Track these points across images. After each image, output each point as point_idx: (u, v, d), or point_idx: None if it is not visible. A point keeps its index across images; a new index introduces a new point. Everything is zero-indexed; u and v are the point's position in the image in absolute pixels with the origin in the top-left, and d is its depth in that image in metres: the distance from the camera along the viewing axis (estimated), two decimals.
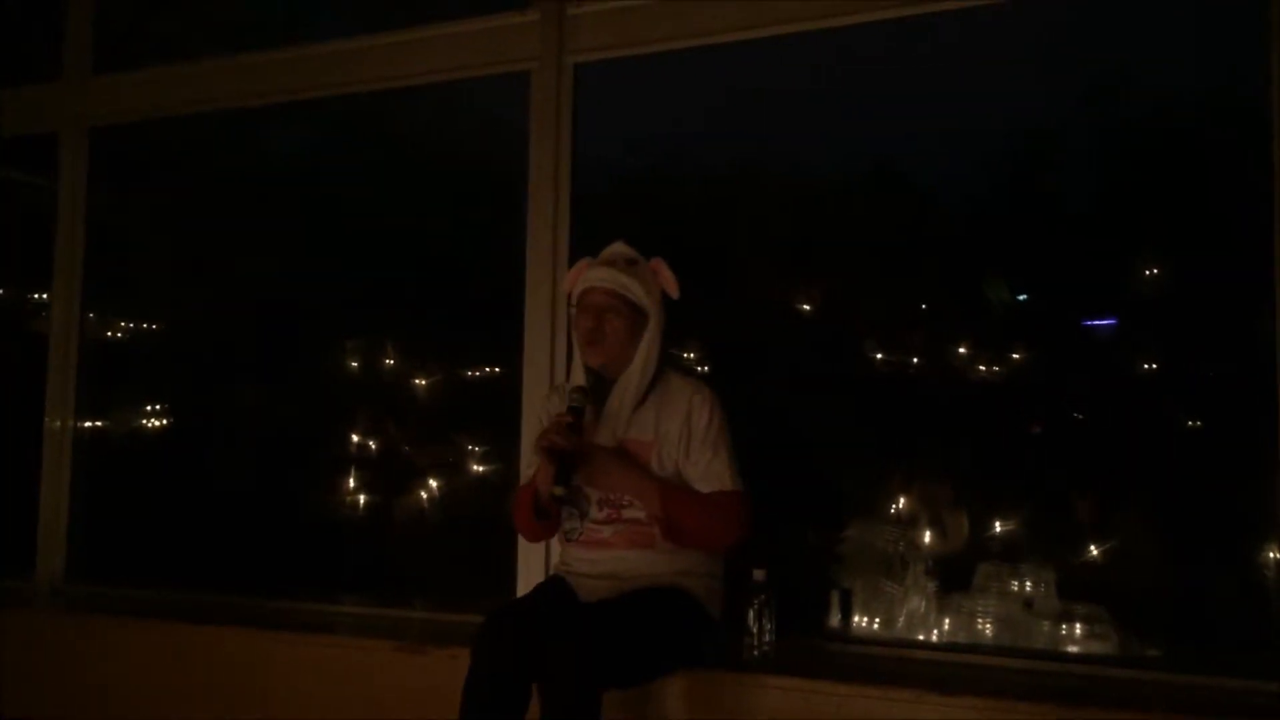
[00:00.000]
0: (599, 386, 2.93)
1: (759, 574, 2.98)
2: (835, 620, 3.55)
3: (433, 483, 4.29)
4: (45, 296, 4.78)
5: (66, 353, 4.55)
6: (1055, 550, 3.56)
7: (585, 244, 3.43)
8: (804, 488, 3.80)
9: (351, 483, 4.40)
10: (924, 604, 3.73)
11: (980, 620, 3.65)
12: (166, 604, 3.95)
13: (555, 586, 2.94)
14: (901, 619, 3.74)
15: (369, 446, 4.43)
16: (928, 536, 3.76)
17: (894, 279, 3.75)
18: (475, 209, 4.29)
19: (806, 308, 3.92)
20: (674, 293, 2.89)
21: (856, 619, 3.76)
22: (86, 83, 4.48)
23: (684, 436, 2.83)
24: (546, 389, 3.27)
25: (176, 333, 4.89)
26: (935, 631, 3.69)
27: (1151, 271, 3.48)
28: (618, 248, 2.97)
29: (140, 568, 4.45)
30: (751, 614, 3.00)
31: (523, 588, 3.46)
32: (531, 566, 3.39)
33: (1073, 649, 3.50)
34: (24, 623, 3.86)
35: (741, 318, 3.92)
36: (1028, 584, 3.62)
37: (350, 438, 4.45)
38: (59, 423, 4.57)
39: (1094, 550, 3.54)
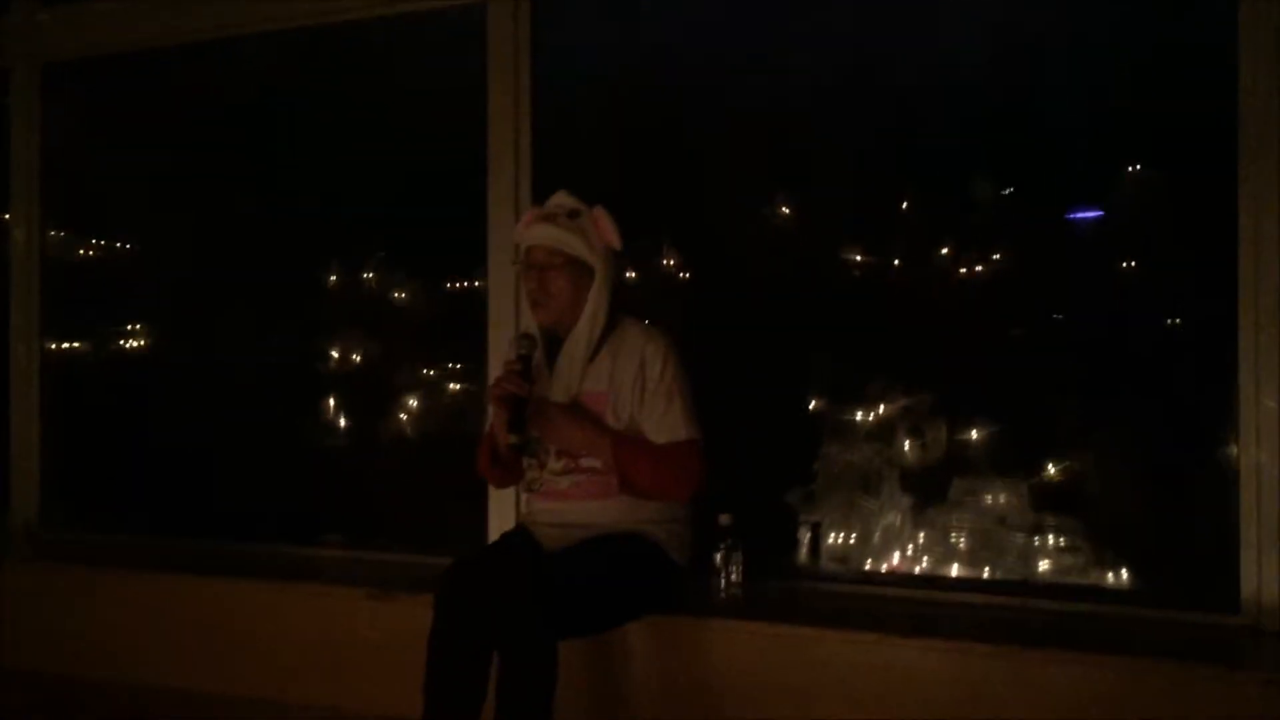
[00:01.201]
0: (551, 341, 2.89)
1: (725, 518, 2.99)
2: (804, 557, 3.56)
3: (412, 402, 4.27)
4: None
5: (29, 282, 4.49)
6: (1031, 463, 3.55)
7: (551, 176, 3.35)
8: (775, 418, 3.80)
9: (332, 405, 4.39)
10: (899, 519, 3.75)
11: (954, 535, 3.67)
12: (141, 550, 3.98)
13: (518, 537, 2.95)
14: (877, 535, 3.76)
15: (349, 365, 4.42)
16: (907, 447, 3.74)
17: (875, 180, 3.68)
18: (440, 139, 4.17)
19: (785, 211, 3.84)
20: (616, 243, 2.83)
21: (833, 538, 3.78)
22: (38, 16, 4.30)
23: (638, 386, 2.80)
24: (511, 333, 3.22)
25: (149, 256, 4.85)
26: (910, 546, 3.72)
27: (1134, 168, 3.42)
28: (558, 199, 2.90)
29: (117, 506, 4.46)
30: (718, 558, 3.00)
31: (494, 530, 3.47)
32: (503, 511, 3.40)
33: (1045, 564, 3.53)
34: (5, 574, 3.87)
35: (719, 226, 3.87)
36: (1001, 498, 3.63)
37: (330, 357, 4.42)
38: (24, 348, 4.51)
39: (1068, 463, 3.53)
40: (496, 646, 2.51)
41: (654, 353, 2.83)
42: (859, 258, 3.77)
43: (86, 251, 4.85)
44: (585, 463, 2.82)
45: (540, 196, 3.41)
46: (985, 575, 3.58)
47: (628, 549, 2.78)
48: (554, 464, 2.87)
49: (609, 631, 2.80)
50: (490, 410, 2.85)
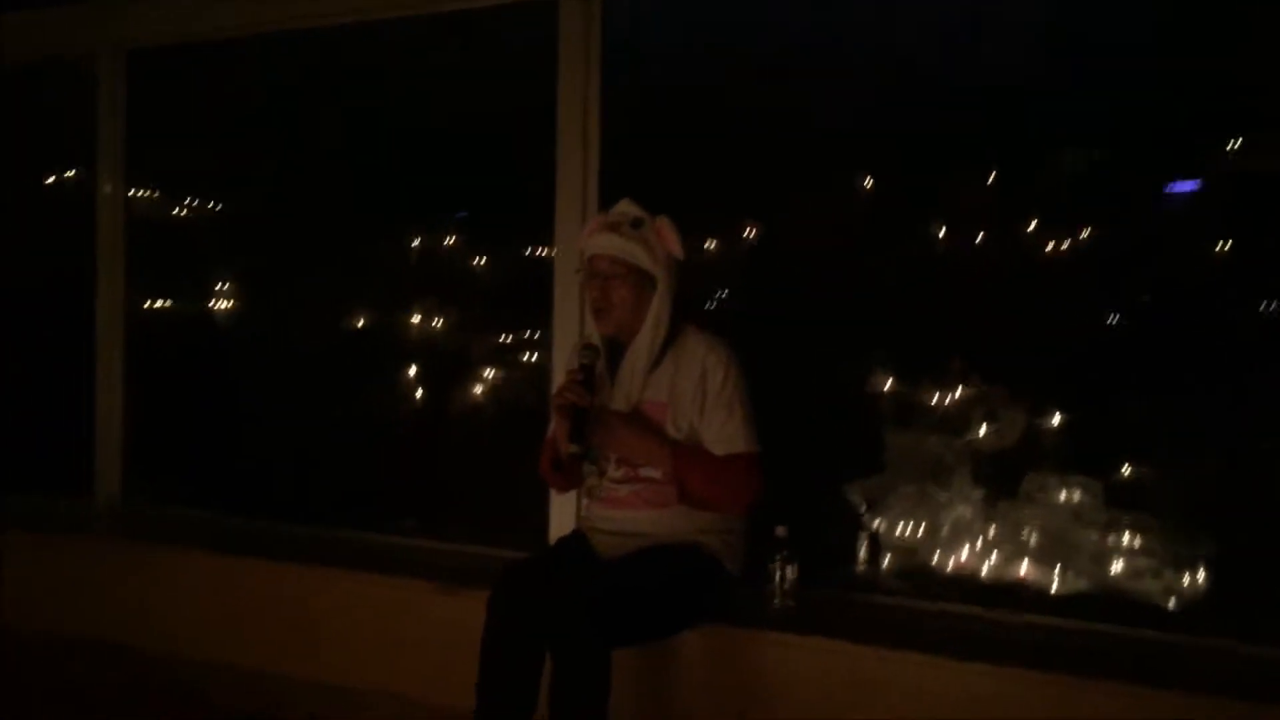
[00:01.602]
0: (614, 350, 2.91)
1: (781, 530, 2.98)
2: (862, 565, 3.54)
3: (488, 374, 4.28)
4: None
5: (114, 248, 4.55)
6: (1109, 458, 3.45)
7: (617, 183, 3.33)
8: (844, 402, 3.74)
9: (410, 376, 4.40)
10: (969, 512, 3.67)
11: (1025, 531, 3.59)
12: (220, 530, 4.09)
13: (574, 543, 2.99)
14: (946, 527, 3.69)
15: (428, 333, 4.42)
16: (982, 432, 3.65)
17: (960, 152, 3.54)
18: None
19: (869, 184, 3.73)
20: (678, 253, 2.83)
21: (900, 529, 3.71)
22: (124, 4, 4.37)
23: (699, 397, 2.81)
24: (575, 339, 3.24)
25: (235, 221, 4.89)
26: (980, 540, 3.63)
27: (1235, 143, 3.24)
28: (622, 207, 2.90)
29: (198, 482, 4.55)
30: (773, 570, 3.01)
31: (555, 529, 3.51)
32: (564, 511, 3.43)
33: (1117, 565, 3.43)
34: (81, 548, 4.02)
35: (799, 203, 3.76)
36: (1076, 494, 3.53)
37: (409, 326, 4.43)
38: (109, 315, 4.58)
39: (1149, 460, 3.42)
40: (550, 650, 2.55)
41: (715, 363, 2.83)
42: (941, 234, 3.63)
43: (177, 212, 4.91)
44: (644, 472, 2.85)
45: (609, 193, 3.44)
46: (1055, 572, 3.49)
47: (682, 559, 2.80)
48: (614, 472, 2.90)
49: (661, 640, 2.82)
50: (553, 417, 2.88)
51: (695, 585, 2.79)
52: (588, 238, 2.86)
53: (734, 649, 2.88)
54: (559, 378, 3.20)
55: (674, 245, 2.78)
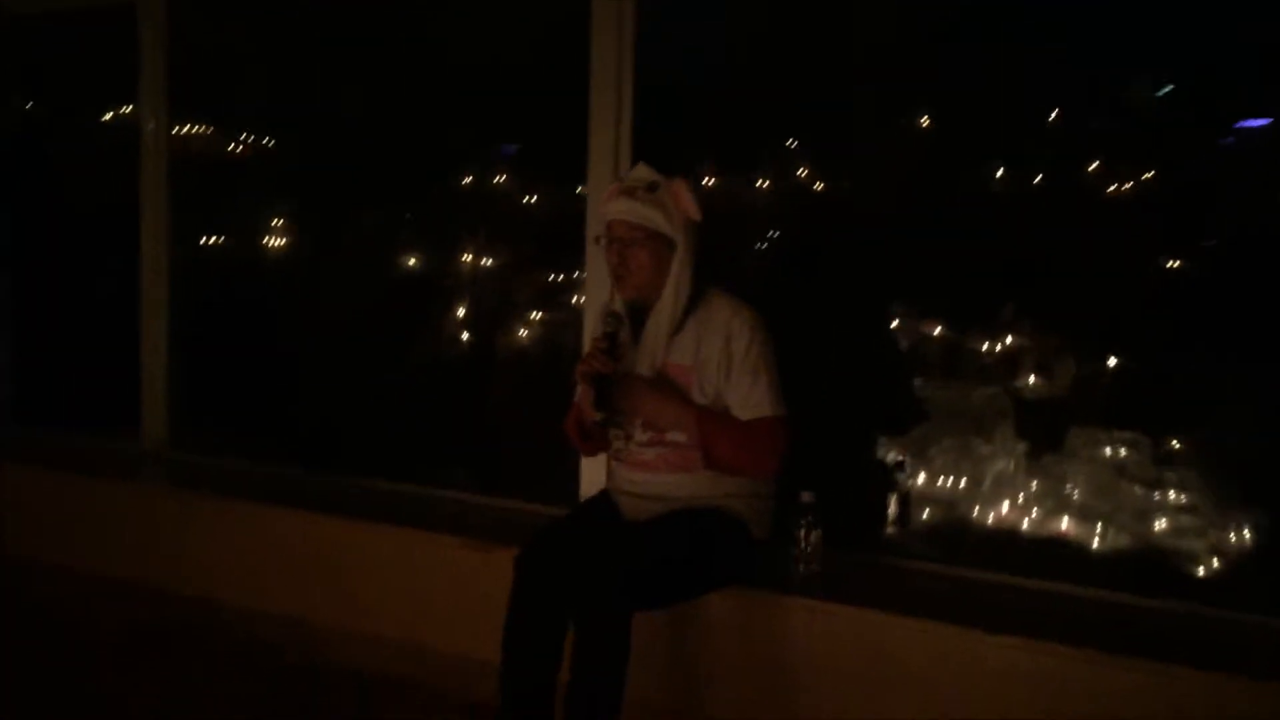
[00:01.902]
0: (638, 315, 2.88)
1: (807, 496, 2.95)
2: (893, 529, 3.50)
3: (534, 317, 4.24)
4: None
5: (158, 184, 4.51)
6: (1159, 413, 3.36)
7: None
8: (885, 350, 3.67)
9: (458, 319, 4.36)
10: (1011, 465, 3.64)
11: (1069, 484, 3.54)
12: (262, 480, 4.13)
13: (601, 504, 2.99)
14: (988, 481, 3.66)
15: (477, 273, 4.38)
16: (1031, 381, 3.59)
17: (1018, 86, 3.37)
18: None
19: (925, 123, 3.60)
20: (695, 215, 2.77)
21: (941, 480, 3.69)
22: None
23: (724, 361, 2.77)
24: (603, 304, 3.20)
25: (283, 156, 4.84)
26: (1021, 495, 3.59)
27: None
28: (639, 172, 2.85)
29: (245, 430, 4.58)
30: (799, 535, 2.98)
31: (585, 488, 3.51)
32: (594, 470, 3.42)
33: (1161, 523, 3.37)
34: (123, 494, 4.10)
35: (854, 137, 3.68)
36: (1121, 450, 3.48)
37: (458, 267, 4.39)
38: (154, 251, 4.56)
39: (1202, 418, 3.31)
40: (571, 616, 2.57)
41: (740, 327, 2.79)
42: (999, 174, 3.50)
43: (225, 150, 4.88)
44: (670, 436, 2.83)
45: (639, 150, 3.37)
46: (1097, 531, 3.45)
47: (708, 522, 2.79)
48: (640, 436, 2.89)
49: (685, 604, 2.82)
50: (578, 385, 2.87)
51: (720, 549, 2.78)
52: (605, 203, 2.81)
53: (757, 613, 2.87)
54: (587, 343, 3.17)
55: (690, 207, 2.73)
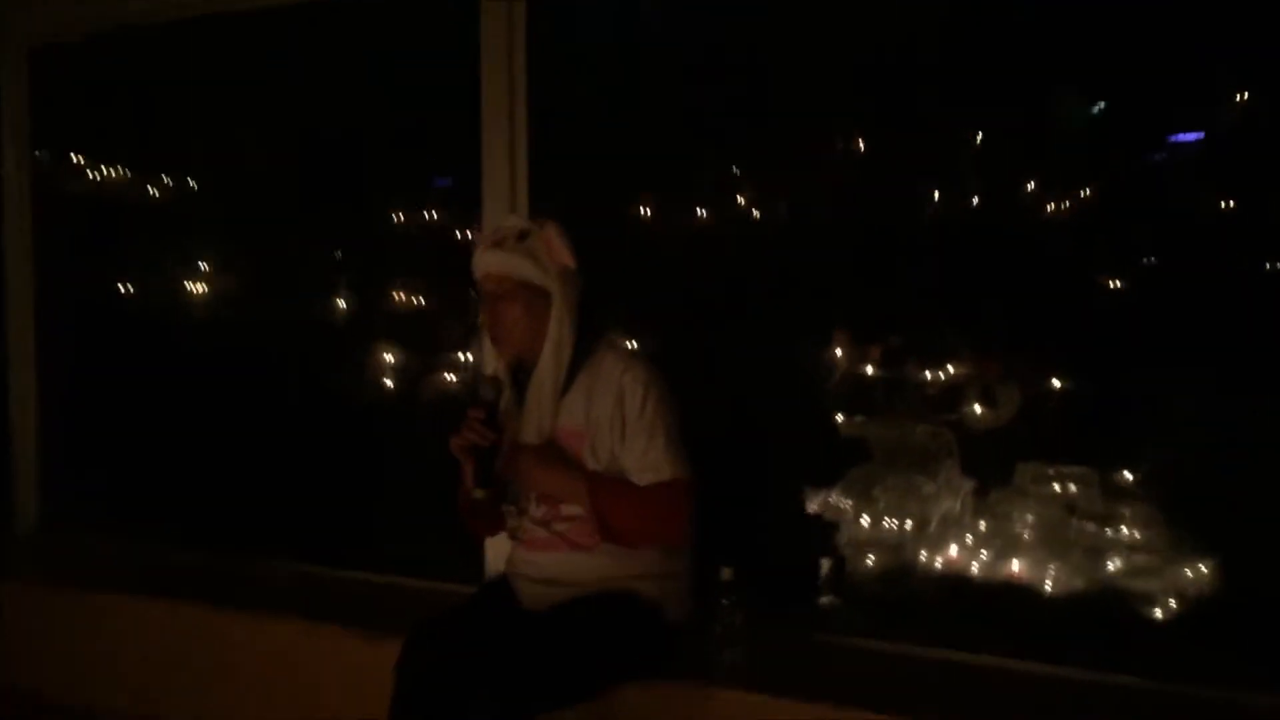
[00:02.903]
0: (524, 376, 2.60)
1: (727, 573, 2.66)
2: (827, 599, 3.24)
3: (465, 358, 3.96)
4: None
5: (22, 230, 4.20)
6: (1111, 444, 3.21)
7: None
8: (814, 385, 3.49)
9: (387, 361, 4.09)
10: (958, 505, 3.48)
11: (1017, 523, 3.38)
12: (142, 564, 3.81)
13: (495, 592, 2.70)
14: (934, 522, 3.49)
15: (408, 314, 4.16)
16: (977, 409, 3.43)
17: (949, 104, 3.25)
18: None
19: (862, 146, 3.47)
20: (569, 262, 2.51)
21: (887, 523, 3.50)
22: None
23: (616, 422, 2.50)
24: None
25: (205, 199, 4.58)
26: (969, 536, 3.43)
27: (1242, 97, 2.96)
28: (509, 221, 2.60)
29: (129, 501, 4.27)
30: (719, 618, 2.69)
31: (491, 565, 3.21)
32: (499, 548, 3.12)
33: (1114, 564, 3.20)
34: None
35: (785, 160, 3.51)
36: (1070, 485, 3.33)
37: (391, 304, 4.18)
38: (19, 315, 4.26)
39: (1154, 447, 3.14)
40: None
41: (632, 383, 2.52)
42: (935, 195, 3.37)
43: (98, 202, 4.62)
44: (567, 509, 2.55)
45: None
46: (1050, 572, 3.27)
47: (613, 611, 2.51)
48: (534, 511, 2.62)
49: (586, 702, 2.53)
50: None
51: (628, 640, 2.50)
52: (475, 258, 2.54)
53: (675, 708, 2.58)
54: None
55: (563, 255, 2.47)
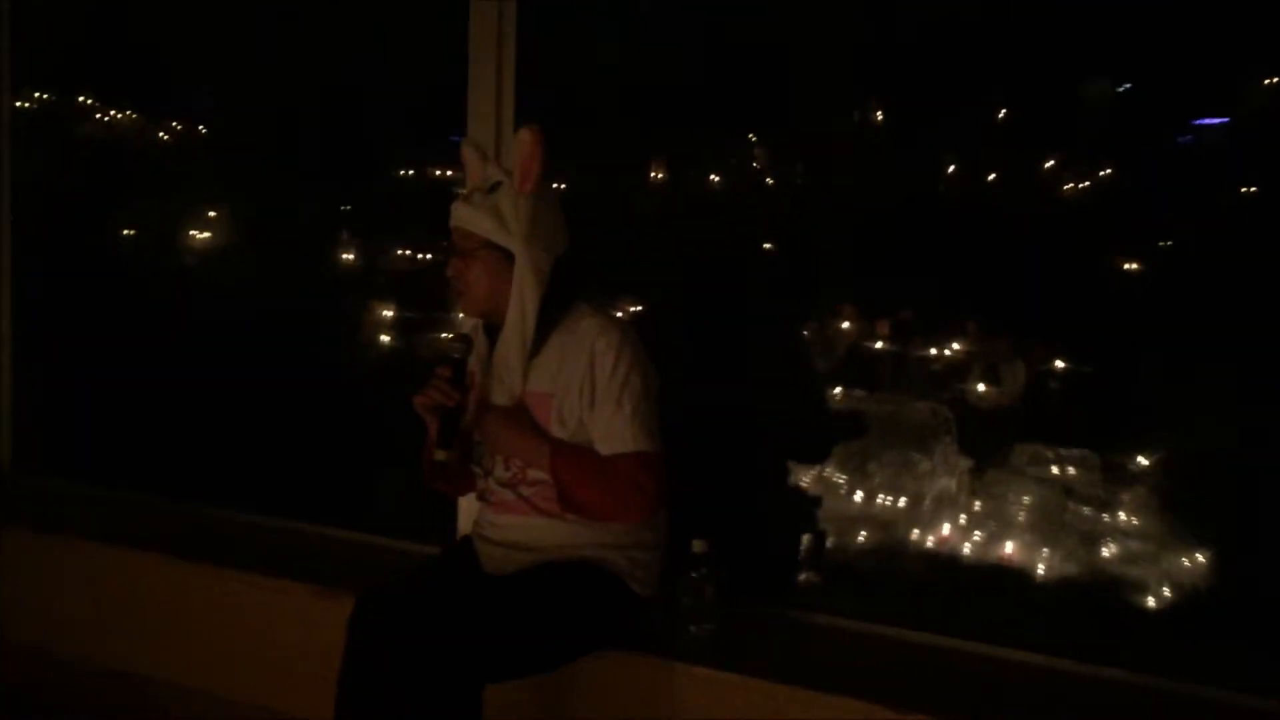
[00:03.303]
0: (494, 335, 2.49)
1: (699, 545, 2.55)
2: (806, 577, 3.14)
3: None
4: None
5: None
6: (1113, 427, 3.12)
7: None
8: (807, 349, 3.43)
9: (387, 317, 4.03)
10: (954, 484, 3.41)
11: (1013, 504, 3.31)
12: (109, 509, 3.71)
13: (458, 555, 2.60)
14: (928, 500, 3.43)
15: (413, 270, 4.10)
16: (981, 387, 3.36)
17: (971, 80, 3.16)
18: None
19: (880, 116, 3.38)
20: (523, 185, 2.37)
21: (881, 499, 3.46)
22: None
23: (587, 387, 2.38)
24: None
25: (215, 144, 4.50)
26: (963, 516, 3.37)
27: (1271, 81, 2.83)
28: (489, 171, 2.46)
29: (100, 450, 4.18)
30: (689, 591, 2.58)
31: (463, 524, 3.11)
32: (472, 504, 3.01)
33: (1110, 549, 3.14)
34: None
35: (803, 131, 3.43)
36: (1069, 468, 3.26)
37: (396, 259, 4.13)
38: None
39: (1157, 433, 3.07)
40: (410, 689, 2.20)
41: (604, 348, 2.40)
42: (951, 169, 3.31)
43: (156, 135, 4.54)
44: (534, 474, 2.44)
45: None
46: (1043, 555, 3.22)
47: (574, 579, 2.41)
48: (501, 472, 2.51)
49: (540, 674, 2.43)
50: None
51: (589, 610, 2.41)
52: (451, 209, 2.43)
53: (638, 682, 2.49)
54: None
55: (522, 169, 2.32)
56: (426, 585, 2.55)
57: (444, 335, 2.55)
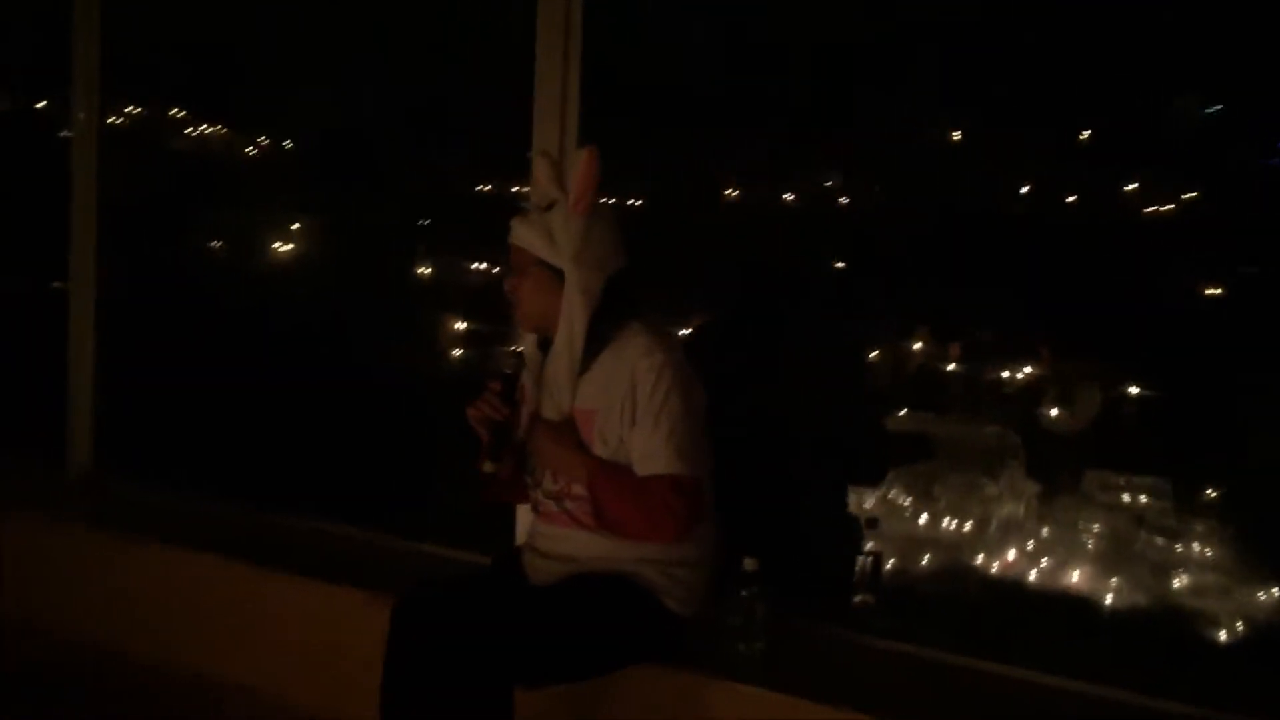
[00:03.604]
0: (548, 350, 2.53)
1: (750, 563, 2.53)
2: (863, 598, 3.10)
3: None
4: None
5: (87, 180, 4.16)
6: (1188, 455, 3.12)
7: None
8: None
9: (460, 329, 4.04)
10: (1021, 509, 3.47)
11: (1082, 531, 3.38)
12: (183, 513, 3.80)
13: (504, 562, 2.64)
14: (994, 525, 3.48)
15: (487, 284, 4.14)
16: (1054, 412, 3.41)
17: (1054, 100, 3.15)
18: None
19: (957, 136, 3.40)
20: (575, 205, 2.39)
21: (946, 523, 3.50)
22: None
23: (628, 407, 2.39)
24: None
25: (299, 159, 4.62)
26: (1030, 542, 3.43)
27: None
28: (543, 188, 2.49)
29: (183, 451, 4.28)
30: (738, 609, 2.56)
31: (521, 536, 3.13)
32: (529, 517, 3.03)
33: (1181, 580, 3.18)
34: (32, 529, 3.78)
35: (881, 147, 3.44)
36: (1142, 496, 3.32)
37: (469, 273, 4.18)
38: (81, 261, 4.23)
39: (1233, 462, 3.07)
40: (440, 693, 2.24)
41: (647, 369, 2.40)
42: (1025, 190, 3.35)
43: (243, 149, 4.68)
44: (577, 488, 2.46)
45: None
46: (1111, 584, 3.24)
47: (605, 592, 2.41)
48: (548, 484, 2.54)
49: (580, 683, 2.44)
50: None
51: (616, 623, 2.40)
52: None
53: (677, 695, 2.46)
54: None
55: (577, 188, 2.34)
56: (466, 588, 2.58)
57: (510, 349, 2.60)
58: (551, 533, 2.55)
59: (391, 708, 2.39)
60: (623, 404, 2.40)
